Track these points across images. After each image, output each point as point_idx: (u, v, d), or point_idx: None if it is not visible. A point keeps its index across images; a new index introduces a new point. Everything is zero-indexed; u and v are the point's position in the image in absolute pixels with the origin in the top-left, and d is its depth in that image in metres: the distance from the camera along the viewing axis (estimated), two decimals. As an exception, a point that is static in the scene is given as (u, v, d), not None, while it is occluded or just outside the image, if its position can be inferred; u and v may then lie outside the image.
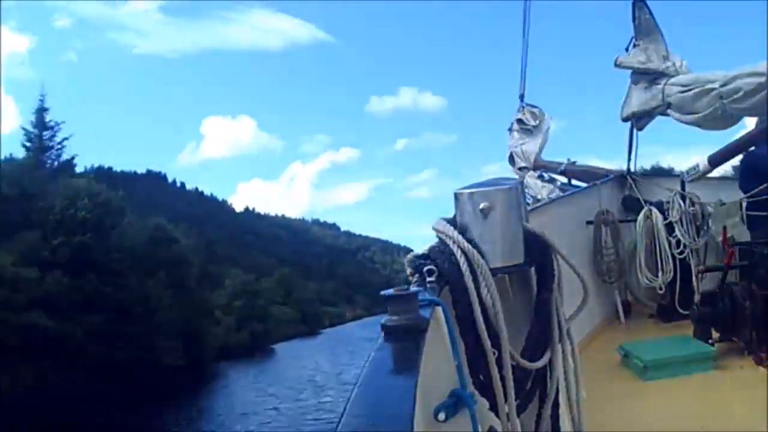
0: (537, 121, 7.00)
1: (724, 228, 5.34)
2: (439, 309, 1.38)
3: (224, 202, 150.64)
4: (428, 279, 1.50)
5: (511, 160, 7.14)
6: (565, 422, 1.74)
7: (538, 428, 1.67)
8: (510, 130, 7.20)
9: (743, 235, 5.24)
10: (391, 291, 1.30)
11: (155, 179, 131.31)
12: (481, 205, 1.56)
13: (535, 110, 7.06)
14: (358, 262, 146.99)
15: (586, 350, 4.63)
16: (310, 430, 16.33)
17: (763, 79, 3.78)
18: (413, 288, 1.33)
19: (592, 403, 2.14)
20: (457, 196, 1.61)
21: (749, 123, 4.97)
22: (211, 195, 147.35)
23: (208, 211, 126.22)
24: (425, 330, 1.26)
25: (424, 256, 1.56)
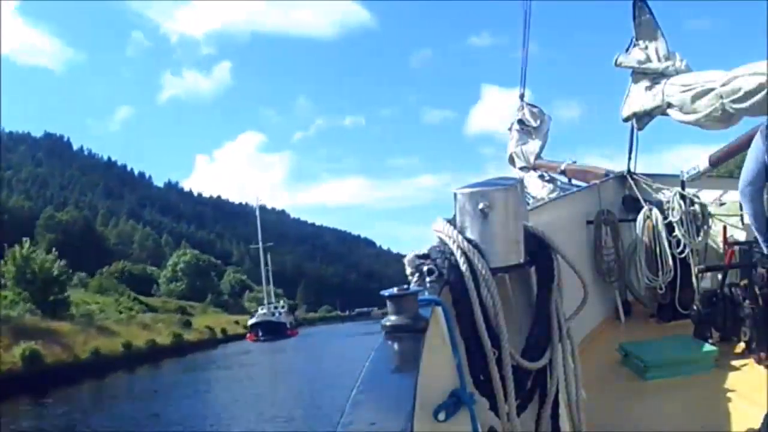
0: (537, 122, 7.00)
1: (725, 228, 5.34)
2: (439, 309, 1.38)
3: (142, 174, 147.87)
4: (428, 279, 1.50)
5: (511, 160, 7.14)
6: (565, 422, 1.74)
7: (538, 428, 1.67)
8: (510, 130, 7.20)
9: (743, 235, 5.24)
10: (391, 291, 1.30)
11: (56, 144, 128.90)
12: (481, 205, 1.56)
13: (535, 110, 7.06)
14: (302, 252, 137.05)
15: (586, 350, 4.62)
16: (310, 431, 16.31)
17: (763, 79, 3.78)
18: (413, 288, 1.33)
19: (592, 403, 2.14)
20: (456, 195, 1.61)
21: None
22: (125, 165, 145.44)
23: (107, 180, 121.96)
24: (425, 330, 1.25)
25: (424, 256, 1.56)
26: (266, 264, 78.01)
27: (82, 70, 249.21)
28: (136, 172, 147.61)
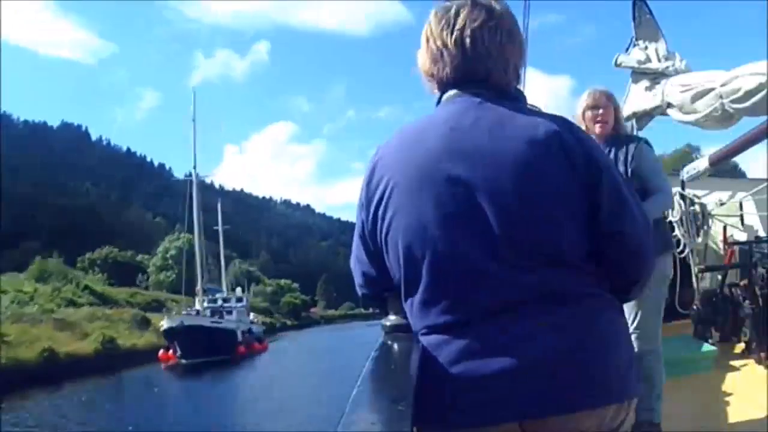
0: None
1: (725, 228, 5.35)
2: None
3: (161, 165, 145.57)
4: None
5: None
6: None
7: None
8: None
9: (743, 235, 5.25)
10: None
11: (73, 134, 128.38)
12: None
13: (535, 110, 7.06)
14: (326, 247, 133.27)
15: (586, 350, 4.62)
16: (309, 431, 16.22)
17: (763, 79, 3.77)
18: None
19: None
20: None
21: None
22: (144, 156, 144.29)
23: (124, 171, 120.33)
24: None
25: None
26: (190, 204, 41.61)
27: (109, 60, 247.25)
28: (155, 164, 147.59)
